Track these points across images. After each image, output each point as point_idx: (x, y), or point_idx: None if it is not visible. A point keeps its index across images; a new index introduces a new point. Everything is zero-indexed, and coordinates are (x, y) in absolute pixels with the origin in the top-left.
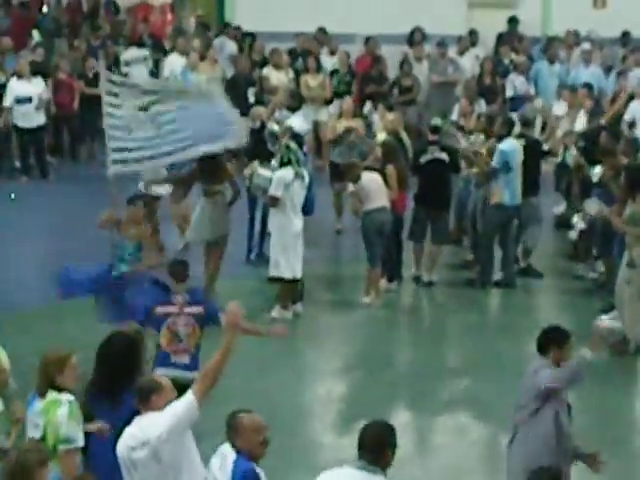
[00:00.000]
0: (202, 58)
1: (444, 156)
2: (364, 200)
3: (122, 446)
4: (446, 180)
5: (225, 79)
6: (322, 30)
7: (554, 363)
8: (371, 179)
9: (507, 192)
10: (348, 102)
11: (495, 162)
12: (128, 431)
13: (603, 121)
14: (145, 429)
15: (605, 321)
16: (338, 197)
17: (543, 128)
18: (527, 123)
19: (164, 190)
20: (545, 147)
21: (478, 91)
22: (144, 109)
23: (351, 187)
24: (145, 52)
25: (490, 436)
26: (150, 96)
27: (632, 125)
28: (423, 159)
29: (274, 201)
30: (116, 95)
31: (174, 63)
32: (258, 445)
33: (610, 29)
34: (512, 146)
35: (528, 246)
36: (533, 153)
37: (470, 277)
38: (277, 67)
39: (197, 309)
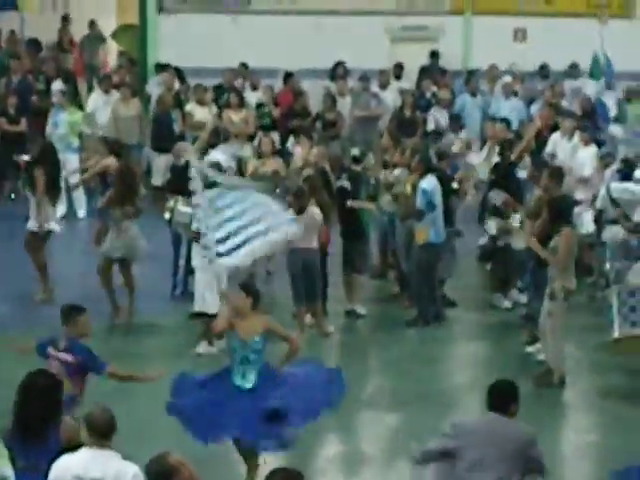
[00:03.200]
0: (133, 94)
1: (346, 184)
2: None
3: (63, 472)
4: (348, 209)
5: (142, 118)
6: (244, 65)
7: (510, 416)
8: (309, 215)
9: (433, 231)
10: (266, 142)
11: (419, 203)
12: (73, 459)
13: (513, 156)
14: (103, 466)
15: None
16: None
17: None
18: (442, 157)
19: (57, 226)
20: (454, 185)
21: (399, 124)
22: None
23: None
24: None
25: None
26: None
27: (553, 157)
28: (335, 187)
29: (199, 236)
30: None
31: (96, 100)
32: None
33: (530, 62)
34: (433, 183)
35: (442, 276)
36: (444, 186)
37: (410, 318)
38: (201, 103)
39: (67, 357)
